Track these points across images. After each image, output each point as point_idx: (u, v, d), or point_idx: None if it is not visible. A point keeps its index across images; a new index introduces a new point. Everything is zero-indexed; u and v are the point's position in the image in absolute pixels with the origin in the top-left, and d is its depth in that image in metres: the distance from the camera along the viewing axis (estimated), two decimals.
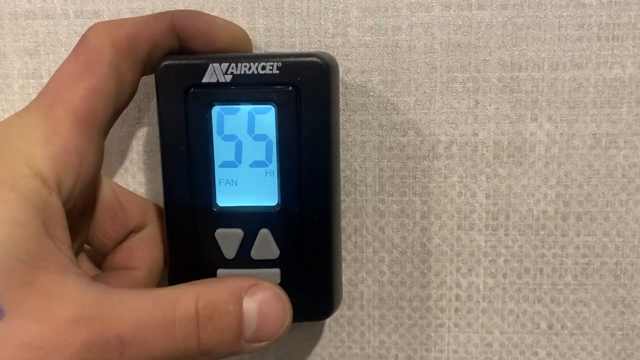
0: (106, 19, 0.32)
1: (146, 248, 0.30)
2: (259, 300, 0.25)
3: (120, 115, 0.32)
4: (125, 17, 0.32)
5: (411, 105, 0.32)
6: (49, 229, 0.23)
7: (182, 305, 0.24)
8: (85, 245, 0.31)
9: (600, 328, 0.33)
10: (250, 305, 0.25)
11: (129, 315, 0.23)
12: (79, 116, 0.25)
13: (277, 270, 0.28)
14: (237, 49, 0.29)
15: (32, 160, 0.23)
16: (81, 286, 0.23)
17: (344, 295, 0.34)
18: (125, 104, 0.28)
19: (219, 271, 0.28)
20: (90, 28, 0.27)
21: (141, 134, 0.33)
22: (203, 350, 0.24)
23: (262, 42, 0.31)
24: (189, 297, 0.24)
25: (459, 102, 0.31)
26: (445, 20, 0.31)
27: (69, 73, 0.26)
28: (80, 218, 0.29)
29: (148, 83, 0.32)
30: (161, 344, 0.23)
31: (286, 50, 0.31)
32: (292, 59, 0.27)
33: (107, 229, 0.30)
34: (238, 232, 0.28)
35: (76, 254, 0.30)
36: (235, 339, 0.25)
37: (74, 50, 0.26)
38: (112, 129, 0.33)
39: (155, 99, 0.28)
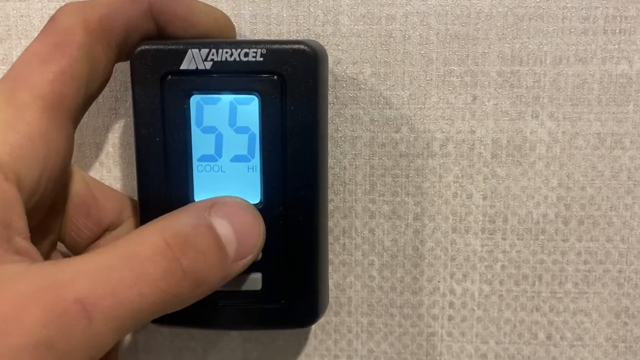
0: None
1: None
2: (227, 214, 0.24)
3: (96, 106, 0.31)
4: None
5: (405, 99, 0.30)
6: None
7: (145, 244, 0.22)
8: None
9: (602, 339, 0.32)
10: (220, 222, 0.23)
11: (84, 275, 0.20)
12: (46, 101, 0.24)
13: (258, 275, 0.27)
14: (218, 34, 0.27)
15: None
16: (22, 268, 0.20)
17: (331, 300, 0.32)
18: (98, 91, 0.26)
19: None
20: (61, 8, 0.25)
21: (118, 125, 0.32)
22: (192, 279, 0.22)
23: (247, 30, 0.30)
24: (151, 234, 0.22)
25: (455, 97, 0.30)
26: (442, 9, 0.29)
27: (37, 55, 0.24)
28: (50, 213, 0.27)
29: (125, 71, 0.31)
30: (135, 293, 0.21)
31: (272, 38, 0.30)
32: (277, 46, 0.25)
33: (80, 226, 0.28)
34: None
35: (48, 252, 0.28)
36: (221, 260, 0.23)
37: (42, 31, 0.25)
38: (87, 120, 0.31)
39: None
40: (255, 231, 0.25)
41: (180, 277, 0.22)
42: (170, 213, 0.24)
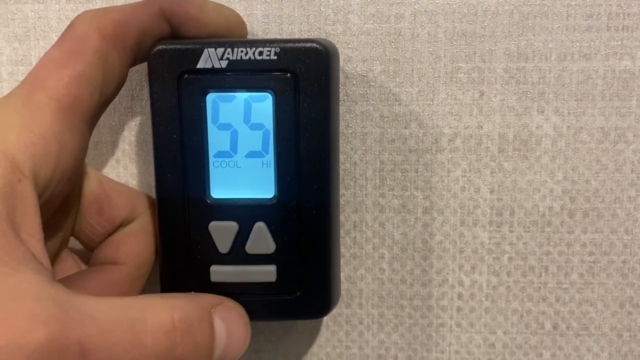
0: (98, 4, 0.31)
1: (134, 242, 0.29)
2: (227, 319, 0.25)
3: (112, 104, 0.32)
4: (119, 3, 0.31)
5: (414, 96, 0.31)
6: (13, 217, 0.22)
7: (156, 318, 0.22)
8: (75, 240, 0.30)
9: (607, 329, 0.33)
10: (219, 324, 0.25)
11: (93, 321, 0.21)
12: (61, 103, 0.24)
13: (272, 267, 0.27)
14: (230, 33, 0.28)
15: (4, 145, 0.22)
16: (38, 284, 0.21)
17: (342, 292, 0.33)
18: (114, 94, 0.27)
19: (213, 268, 0.27)
20: (78, 16, 0.26)
21: (134, 123, 0.32)
22: None
23: (259, 29, 0.31)
24: (162, 309, 0.23)
25: (463, 93, 0.31)
26: (449, 8, 0.30)
27: (53, 60, 0.25)
28: (62, 211, 0.28)
29: (141, 71, 0.31)
30: (129, 357, 0.21)
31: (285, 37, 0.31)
32: (290, 45, 0.26)
33: (93, 224, 0.29)
34: (232, 225, 0.27)
35: (59, 250, 0.29)
36: (206, 358, 0.24)
37: (59, 38, 0.26)
38: (103, 118, 0.32)
39: (148, 86, 0.27)
40: (242, 341, 0.26)
41: None
42: (184, 294, 0.26)
